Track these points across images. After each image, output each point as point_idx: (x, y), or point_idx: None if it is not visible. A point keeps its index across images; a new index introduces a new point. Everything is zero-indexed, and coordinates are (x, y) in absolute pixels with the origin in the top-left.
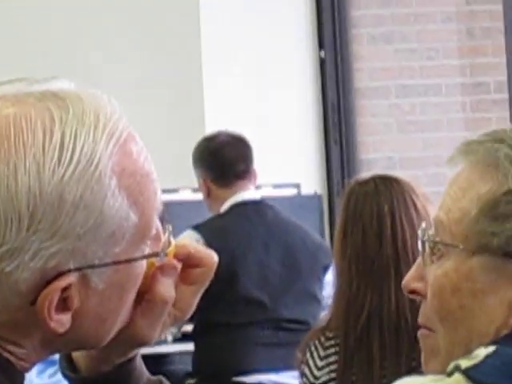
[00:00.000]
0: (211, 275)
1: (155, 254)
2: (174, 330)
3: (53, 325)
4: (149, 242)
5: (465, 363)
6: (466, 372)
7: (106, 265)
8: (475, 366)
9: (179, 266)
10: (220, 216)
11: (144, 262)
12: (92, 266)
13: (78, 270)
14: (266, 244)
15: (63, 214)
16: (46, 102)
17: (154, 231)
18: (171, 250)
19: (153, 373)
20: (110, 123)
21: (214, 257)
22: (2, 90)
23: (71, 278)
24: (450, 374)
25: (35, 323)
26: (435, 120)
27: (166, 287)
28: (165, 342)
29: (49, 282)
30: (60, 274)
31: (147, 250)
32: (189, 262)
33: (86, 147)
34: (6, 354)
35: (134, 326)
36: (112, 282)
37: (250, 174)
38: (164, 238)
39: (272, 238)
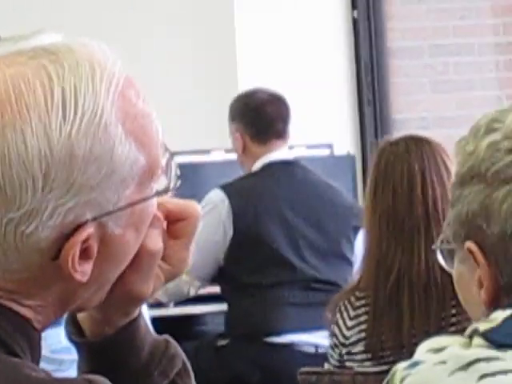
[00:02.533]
0: (196, 225)
1: (166, 190)
2: (197, 283)
3: (77, 276)
4: (157, 180)
5: (483, 326)
6: (485, 335)
7: (120, 209)
8: (494, 329)
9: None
10: (249, 176)
11: (154, 200)
12: (108, 213)
13: (94, 219)
14: (293, 206)
15: (75, 169)
16: (39, 59)
17: (160, 169)
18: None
19: (185, 333)
20: (106, 71)
21: (196, 207)
22: None
23: (90, 229)
24: (469, 337)
25: (56, 277)
26: (468, 79)
27: (152, 239)
28: (190, 300)
29: (68, 236)
30: (79, 227)
31: (155, 188)
32: (171, 218)
33: (88, 100)
34: (24, 311)
35: (126, 283)
36: (128, 225)
37: (287, 134)
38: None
39: (299, 199)
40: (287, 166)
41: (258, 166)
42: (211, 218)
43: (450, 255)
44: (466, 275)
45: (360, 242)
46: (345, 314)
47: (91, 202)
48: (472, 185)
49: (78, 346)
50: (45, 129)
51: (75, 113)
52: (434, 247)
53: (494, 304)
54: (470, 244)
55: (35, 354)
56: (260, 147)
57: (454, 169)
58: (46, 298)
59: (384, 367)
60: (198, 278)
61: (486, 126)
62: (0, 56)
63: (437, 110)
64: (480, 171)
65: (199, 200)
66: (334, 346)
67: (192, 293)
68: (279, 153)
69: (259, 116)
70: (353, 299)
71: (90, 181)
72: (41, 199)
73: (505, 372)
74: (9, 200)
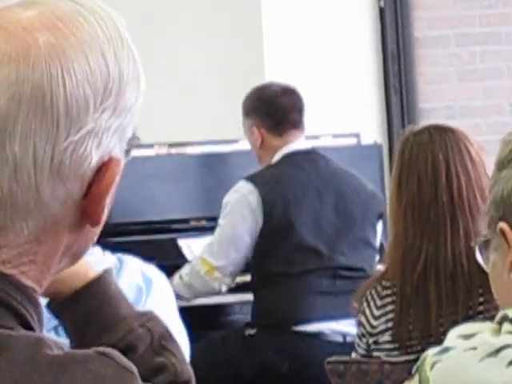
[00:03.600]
0: None
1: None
2: (228, 280)
3: (103, 216)
4: None
5: None
6: None
7: (129, 147)
8: None
9: None
10: (272, 166)
11: None
12: (127, 151)
13: (121, 149)
14: (320, 192)
15: (121, 88)
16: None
17: None
18: None
19: (213, 323)
20: (113, 12)
21: None
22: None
23: (120, 159)
24: (499, 323)
25: (74, 223)
26: (495, 68)
27: None
28: (219, 293)
29: (99, 170)
30: (109, 161)
31: None
32: None
33: (113, 27)
34: (27, 280)
35: None
36: (121, 169)
37: (303, 125)
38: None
39: (325, 186)
40: (308, 155)
41: (277, 157)
42: (242, 209)
43: (486, 249)
44: (499, 263)
45: (379, 229)
46: (372, 304)
47: (122, 131)
48: (510, 167)
49: (53, 309)
50: (100, 49)
51: (111, 37)
52: (472, 244)
53: None
54: (502, 224)
55: (41, 322)
56: (278, 139)
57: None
58: (48, 262)
59: (411, 356)
60: (231, 274)
61: None
62: (15, 5)
63: (463, 99)
64: None
65: (226, 189)
66: (361, 336)
67: (224, 289)
68: (297, 143)
69: (274, 107)
70: (379, 288)
71: (127, 103)
72: (96, 119)
73: None
74: (74, 120)
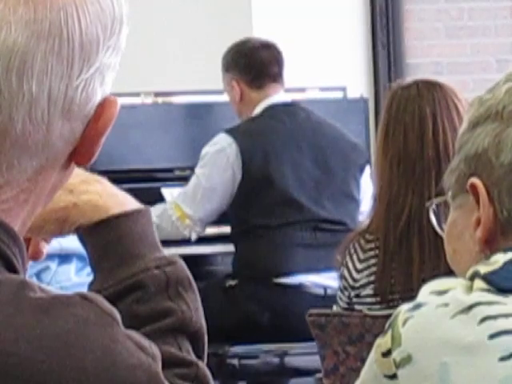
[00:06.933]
0: None
1: None
2: (198, 228)
3: (95, 155)
4: None
5: (483, 269)
6: (486, 277)
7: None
8: (495, 272)
9: None
10: (253, 119)
11: None
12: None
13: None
14: (299, 145)
15: (122, 27)
16: None
17: None
18: None
19: (194, 273)
20: None
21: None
22: None
23: (114, 98)
24: (470, 279)
25: (65, 160)
26: (483, 25)
27: None
28: (201, 240)
29: (98, 109)
30: (107, 100)
31: None
32: None
33: None
34: (13, 222)
35: None
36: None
37: (282, 78)
38: None
39: (305, 139)
40: (289, 108)
41: (258, 110)
42: (219, 161)
43: (443, 211)
44: (461, 221)
45: (366, 180)
46: (354, 257)
47: (115, 67)
48: (485, 125)
49: (80, 236)
50: None
51: None
52: (427, 205)
53: (489, 244)
54: (474, 179)
55: (25, 265)
56: (257, 92)
57: (465, 117)
58: (36, 203)
59: (393, 310)
60: (202, 223)
61: (505, 78)
62: None
63: (451, 55)
64: (497, 110)
65: (211, 139)
66: (343, 289)
67: (193, 237)
68: (277, 96)
69: (253, 60)
70: (363, 242)
71: (122, 41)
72: (102, 57)
73: (506, 316)
74: (86, 58)
